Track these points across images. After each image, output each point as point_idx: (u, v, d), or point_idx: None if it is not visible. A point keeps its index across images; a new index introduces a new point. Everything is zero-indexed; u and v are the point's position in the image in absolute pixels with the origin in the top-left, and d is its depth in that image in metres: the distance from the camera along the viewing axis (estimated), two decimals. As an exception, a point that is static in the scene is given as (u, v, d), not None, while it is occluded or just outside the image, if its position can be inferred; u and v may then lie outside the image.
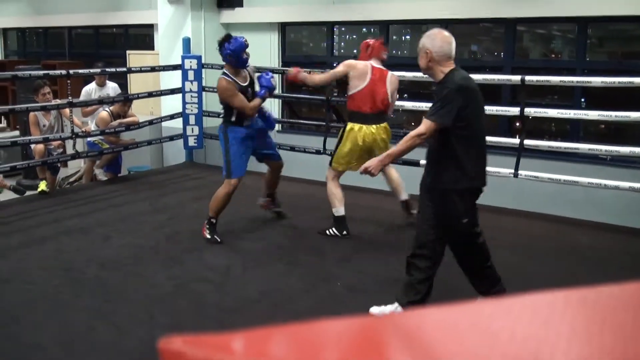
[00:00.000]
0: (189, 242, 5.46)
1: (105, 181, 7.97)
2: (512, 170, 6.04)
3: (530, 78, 5.98)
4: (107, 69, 7.92)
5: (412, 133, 3.68)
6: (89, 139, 7.76)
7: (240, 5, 8.88)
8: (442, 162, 3.68)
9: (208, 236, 5.41)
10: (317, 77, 5.69)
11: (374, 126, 5.39)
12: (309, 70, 6.21)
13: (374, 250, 5.33)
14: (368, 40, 5.63)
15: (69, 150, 7.59)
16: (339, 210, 5.56)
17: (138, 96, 8.09)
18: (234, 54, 5.27)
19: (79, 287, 4.48)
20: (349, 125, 5.46)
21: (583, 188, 5.98)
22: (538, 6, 6.68)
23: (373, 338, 0.50)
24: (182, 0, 8.70)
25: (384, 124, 5.51)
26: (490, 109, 6.39)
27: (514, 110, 6.15)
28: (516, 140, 6.16)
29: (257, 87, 5.51)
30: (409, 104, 7.25)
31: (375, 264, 5.01)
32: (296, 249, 5.29)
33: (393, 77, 5.52)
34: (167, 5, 8.84)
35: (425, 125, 3.60)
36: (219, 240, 5.39)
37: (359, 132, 5.37)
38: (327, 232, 5.58)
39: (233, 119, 5.40)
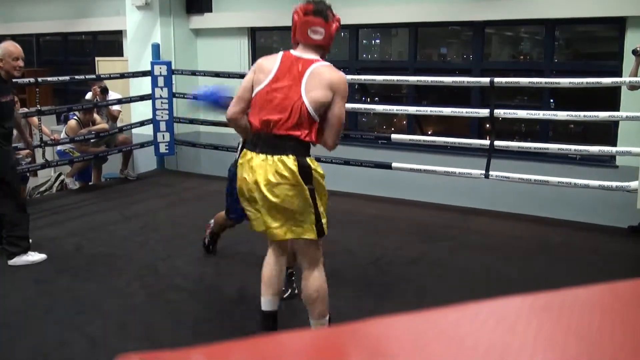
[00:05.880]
0: (161, 250, 5.41)
1: (75, 190, 7.88)
2: (483, 171, 6.08)
3: (499, 80, 6.03)
4: (76, 77, 7.84)
5: None
6: (58, 147, 7.68)
7: (210, 10, 8.84)
8: None
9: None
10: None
11: (262, 156, 3.10)
12: None
13: (349, 255, 5.33)
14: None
15: (39, 160, 7.48)
16: (262, 300, 3.54)
17: (107, 103, 8.00)
18: None
19: (51, 299, 4.40)
20: (243, 153, 3.30)
21: (553, 187, 6.04)
22: (506, 9, 6.75)
23: (336, 351, 0.49)
24: (151, 6, 8.63)
25: (290, 157, 3.07)
26: (460, 111, 6.45)
27: (484, 112, 6.20)
28: (486, 142, 6.21)
29: None
30: (379, 107, 7.29)
31: (350, 269, 5.01)
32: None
33: (320, 70, 3.12)
34: (135, 11, 8.76)
35: None
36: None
37: (248, 163, 3.18)
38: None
39: None
